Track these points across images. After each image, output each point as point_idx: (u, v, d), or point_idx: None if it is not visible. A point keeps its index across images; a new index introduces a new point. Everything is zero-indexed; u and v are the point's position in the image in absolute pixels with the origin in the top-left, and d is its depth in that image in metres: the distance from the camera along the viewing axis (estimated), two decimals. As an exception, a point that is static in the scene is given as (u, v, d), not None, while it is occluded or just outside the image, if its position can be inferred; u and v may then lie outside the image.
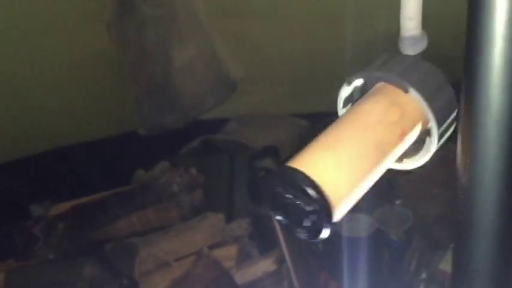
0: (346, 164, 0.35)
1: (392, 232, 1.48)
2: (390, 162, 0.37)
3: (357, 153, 0.35)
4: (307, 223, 0.33)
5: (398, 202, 1.58)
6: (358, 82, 0.40)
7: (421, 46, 0.39)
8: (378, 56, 0.39)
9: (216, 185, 1.60)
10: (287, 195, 0.33)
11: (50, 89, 1.78)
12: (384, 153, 0.36)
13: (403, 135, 0.37)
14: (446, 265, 1.42)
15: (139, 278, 1.32)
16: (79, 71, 1.81)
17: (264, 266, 1.35)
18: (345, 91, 0.40)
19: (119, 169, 1.68)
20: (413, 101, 0.37)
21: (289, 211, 0.34)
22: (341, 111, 0.41)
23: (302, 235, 0.34)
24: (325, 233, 0.33)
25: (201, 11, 1.72)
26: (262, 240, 1.45)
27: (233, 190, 1.62)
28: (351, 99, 0.40)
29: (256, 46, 1.82)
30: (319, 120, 1.85)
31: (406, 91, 0.37)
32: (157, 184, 1.44)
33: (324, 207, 0.32)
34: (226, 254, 1.34)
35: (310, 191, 0.32)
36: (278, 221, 0.35)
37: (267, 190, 0.34)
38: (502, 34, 0.27)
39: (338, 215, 0.34)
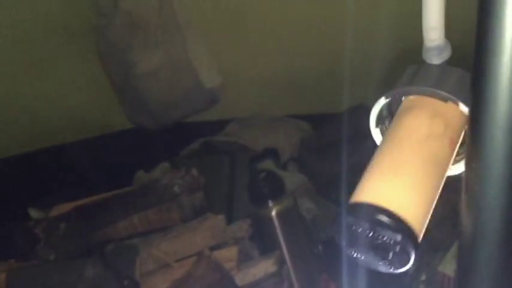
0: (415, 186, 0.34)
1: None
2: (447, 172, 0.37)
3: (420, 172, 0.34)
4: (391, 256, 0.32)
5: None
6: (391, 98, 0.39)
7: (446, 54, 0.39)
8: (404, 70, 0.39)
9: (216, 186, 1.60)
10: (365, 231, 0.32)
11: (51, 90, 1.79)
12: (442, 166, 0.36)
13: (452, 144, 0.37)
14: (445, 267, 1.42)
15: (140, 279, 1.32)
16: (81, 70, 1.82)
17: (265, 267, 1.35)
18: (377, 108, 0.39)
19: (120, 170, 1.68)
20: (453, 108, 0.37)
21: (369, 247, 0.33)
22: (374, 130, 0.40)
23: (384, 268, 0.33)
24: (412, 260, 0.32)
25: (183, 19, 1.72)
26: (263, 241, 1.45)
27: (234, 192, 1.62)
28: (380, 116, 0.39)
29: (258, 47, 1.82)
30: (319, 122, 1.86)
31: (445, 100, 0.37)
32: (158, 185, 1.44)
33: (409, 236, 0.31)
34: (227, 255, 1.35)
35: (393, 224, 0.31)
36: (357, 259, 0.33)
37: (342, 229, 0.33)
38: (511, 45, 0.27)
39: (420, 238, 0.33)
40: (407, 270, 1.22)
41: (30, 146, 1.78)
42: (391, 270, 0.32)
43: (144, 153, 1.84)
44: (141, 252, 1.35)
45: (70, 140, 1.85)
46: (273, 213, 1.41)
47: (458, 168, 0.40)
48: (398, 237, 0.32)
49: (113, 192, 1.51)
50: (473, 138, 0.30)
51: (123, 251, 1.36)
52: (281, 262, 1.38)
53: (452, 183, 0.39)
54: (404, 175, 0.34)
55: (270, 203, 1.42)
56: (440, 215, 1.47)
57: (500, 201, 0.30)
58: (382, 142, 0.36)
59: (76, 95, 1.83)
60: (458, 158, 0.39)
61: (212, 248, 1.36)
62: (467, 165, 0.32)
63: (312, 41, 1.77)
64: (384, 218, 0.31)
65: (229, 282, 1.30)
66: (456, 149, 0.37)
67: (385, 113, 0.39)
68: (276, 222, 1.40)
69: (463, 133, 0.37)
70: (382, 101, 0.39)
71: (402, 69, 0.41)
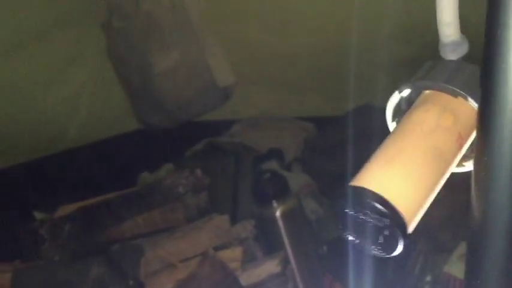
0: (413, 176, 0.35)
1: (396, 235, 1.49)
2: (453, 168, 0.37)
3: (419, 163, 0.35)
4: (381, 239, 0.33)
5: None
6: (405, 92, 0.40)
7: (462, 50, 0.39)
8: (422, 65, 0.39)
9: (221, 187, 1.60)
10: (358, 215, 0.33)
11: (54, 90, 1.79)
12: (445, 160, 0.36)
13: (460, 139, 0.37)
14: (451, 268, 1.42)
15: (144, 279, 1.32)
16: (84, 72, 1.82)
17: (269, 267, 1.35)
18: (392, 102, 0.40)
19: (125, 171, 1.69)
20: (464, 104, 0.37)
21: (361, 230, 0.34)
22: (390, 123, 0.41)
23: (377, 252, 0.34)
24: (400, 247, 0.33)
25: (197, 20, 1.73)
26: (267, 242, 1.45)
27: (238, 192, 1.62)
28: (399, 110, 0.40)
29: (263, 48, 1.82)
30: (324, 124, 1.86)
31: (456, 96, 0.37)
32: (162, 186, 1.44)
33: (396, 221, 0.33)
34: (231, 256, 1.35)
35: (381, 207, 0.33)
36: (351, 241, 0.35)
37: (339, 211, 0.34)
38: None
39: (411, 227, 0.34)
40: (412, 271, 1.22)
41: (36, 150, 1.78)
42: (382, 254, 0.33)
43: (149, 154, 1.84)
44: (146, 252, 1.35)
45: (76, 143, 1.86)
46: (277, 213, 1.41)
47: (472, 166, 0.40)
48: (387, 222, 0.32)
49: (117, 192, 1.51)
50: (483, 132, 0.30)
51: (128, 251, 1.36)
52: (285, 262, 1.38)
53: (456, 183, 0.39)
54: (401, 164, 0.35)
55: (274, 204, 1.42)
56: (445, 216, 1.47)
57: (509, 195, 0.30)
58: (391, 133, 0.37)
59: (83, 98, 1.84)
60: (472, 154, 0.40)
61: (216, 248, 1.36)
62: (476, 159, 0.32)
63: (315, 42, 1.77)
64: (375, 202, 0.33)
65: (233, 282, 1.30)
66: (466, 145, 0.37)
67: (403, 106, 0.40)
68: (280, 223, 1.41)
69: (474, 130, 0.38)
70: (396, 95, 0.39)
71: (408, 71, 0.41)
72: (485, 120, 0.30)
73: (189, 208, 1.41)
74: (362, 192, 0.33)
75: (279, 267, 1.36)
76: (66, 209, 1.46)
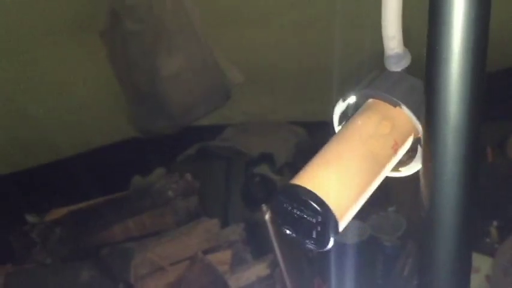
0: (346, 177, 0.37)
1: (385, 238, 1.50)
2: (387, 172, 0.40)
3: (355, 166, 0.38)
4: (314, 234, 0.35)
5: (391, 209, 1.60)
6: (351, 99, 0.42)
7: (405, 62, 0.42)
8: (366, 74, 0.41)
9: (211, 191, 1.62)
10: (295, 211, 0.36)
11: (45, 98, 1.80)
12: (380, 164, 0.39)
13: (396, 146, 0.39)
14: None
15: (134, 282, 1.33)
16: (74, 78, 1.83)
17: (258, 270, 1.36)
18: (339, 108, 0.42)
19: (116, 175, 1.70)
20: (403, 114, 0.40)
21: (297, 225, 0.36)
22: (337, 127, 0.43)
23: (311, 246, 0.36)
24: (331, 243, 0.35)
25: (197, 22, 1.75)
26: (256, 245, 1.46)
27: (228, 196, 1.64)
28: (345, 116, 0.42)
29: (253, 54, 1.84)
30: (316, 128, 1.88)
31: (395, 105, 0.40)
32: (152, 190, 1.46)
33: (328, 218, 0.35)
34: (221, 259, 1.36)
35: (315, 205, 0.35)
36: (288, 235, 0.37)
37: (276, 207, 0.37)
38: (458, 50, 0.30)
39: (342, 224, 0.36)
40: (401, 274, 1.23)
41: (28, 154, 1.79)
42: (315, 248, 0.35)
43: (141, 159, 1.85)
44: (136, 255, 1.37)
45: (69, 148, 1.87)
46: (267, 217, 1.43)
47: (408, 170, 0.43)
48: (319, 218, 0.35)
49: (107, 196, 1.52)
50: (428, 140, 0.33)
51: (118, 254, 1.38)
52: (274, 266, 1.39)
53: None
54: (338, 166, 0.37)
55: (264, 207, 1.44)
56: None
57: (452, 194, 0.33)
58: (333, 136, 0.39)
59: (76, 106, 1.85)
60: (408, 161, 0.42)
61: (206, 252, 1.37)
62: (423, 164, 0.34)
63: (309, 49, 1.79)
64: (309, 200, 0.35)
65: (222, 285, 1.31)
66: (401, 151, 0.40)
67: (350, 112, 0.42)
68: (270, 226, 1.42)
69: (410, 138, 0.40)
70: (341, 102, 0.42)
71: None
72: (430, 128, 0.32)
73: (178, 212, 1.43)
74: (299, 189, 0.36)
75: (268, 270, 1.38)
76: (57, 213, 1.48)
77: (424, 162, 0.34)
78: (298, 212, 0.35)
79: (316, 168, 0.37)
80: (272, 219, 1.44)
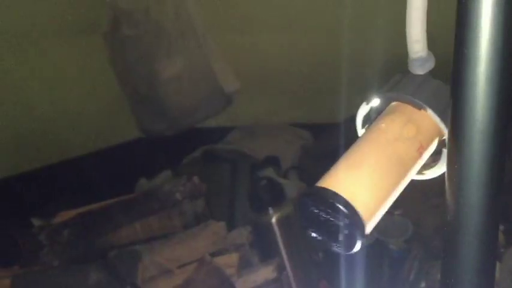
0: (372, 180, 0.37)
1: (392, 242, 1.50)
2: (413, 174, 0.40)
3: (381, 169, 0.38)
4: (341, 237, 0.36)
5: (398, 212, 1.60)
6: (375, 102, 0.42)
7: (429, 66, 0.42)
8: (391, 77, 0.42)
9: (218, 193, 1.62)
10: (321, 214, 0.36)
11: (56, 100, 1.81)
12: (405, 167, 0.39)
13: (421, 149, 0.40)
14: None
15: (142, 284, 1.34)
16: (81, 79, 1.84)
17: (265, 273, 1.37)
18: (363, 111, 0.42)
19: (123, 178, 1.70)
20: (427, 116, 0.40)
21: (323, 228, 0.36)
22: (360, 130, 0.43)
23: (338, 249, 0.36)
24: (359, 245, 0.36)
25: (200, 26, 1.75)
26: (263, 248, 1.47)
27: (235, 199, 1.64)
28: (368, 118, 0.43)
29: (259, 57, 1.84)
30: (321, 131, 1.88)
31: (420, 108, 0.40)
32: (160, 192, 1.46)
33: (356, 221, 0.35)
34: (228, 262, 1.36)
35: (343, 208, 0.35)
36: (314, 238, 0.37)
37: (302, 210, 0.37)
38: (486, 54, 0.30)
39: (369, 227, 0.37)
40: (407, 278, 1.23)
41: (37, 158, 1.79)
42: (342, 251, 0.36)
43: (147, 161, 1.86)
44: (143, 258, 1.37)
45: (76, 151, 1.87)
46: (273, 220, 1.43)
47: (433, 173, 0.43)
48: (346, 221, 0.35)
49: (115, 199, 1.53)
50: (454, 143, 0.33)
51: (126, 257, 1.38)
52: (281, 269, 1.39)
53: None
54: (364, 169, 0.37)
55: (271, 211, 1.44)
56: (439, 223, 1.49)
57: (478, 200, 0.33)
58: (358, 139, 0.39)
59: (83, 107, 1.85)
60: (433, 164, 0.43)
61: (213, 255, 1.37)
62: (448, 167, 0.34)
63: (314, 52, 1.79)
64: (336, 202, 0.35)
65: (229, 288, 1.31)
66: (426, 154, 0.40)
67: (373, 115, 0.42)
68: (276, 229, 1.42)
69: (435, 141, 0.40)
70: (365, 106, 0.42)
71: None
72: (456, 130, 0.32)
73: (186, 215, 1.43)
74: (326, 192, 0.36)
75: (275, 273, 1.38)
76: (65, 215, 1.48)
77: (449, 165, 0.34)
78: (324, 215, 0.36)
79: (342, 170, 0.38)
80: (279, 222, 1.44)
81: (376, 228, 1.34)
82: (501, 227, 1.55)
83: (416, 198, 1.57)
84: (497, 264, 1.46)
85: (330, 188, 0.36)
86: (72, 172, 1.79)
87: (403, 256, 1.50)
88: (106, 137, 1.92)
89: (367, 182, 0.37)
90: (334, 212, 0.35)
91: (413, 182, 0.43)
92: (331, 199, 0.35)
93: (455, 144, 0.33)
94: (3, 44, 1.62)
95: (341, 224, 0.35)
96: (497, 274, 1.44)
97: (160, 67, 1.77)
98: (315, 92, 1.89)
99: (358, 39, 1.55)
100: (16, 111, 1.74)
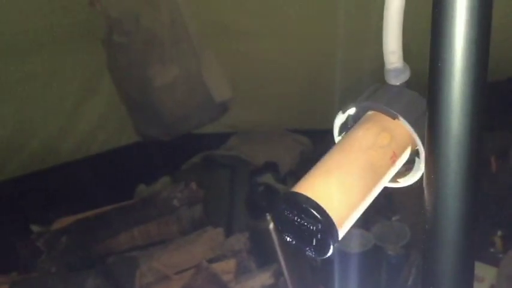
0: (346, 186, 0.38)
1: (389, 247, 1.50)
2: (385, 182, 0.41)
3: (355, 175, 0.39)
4: (314, 242, 0.37)
5: (395, 218, 1.60)
6: (351, 111, 0.43)
7: (404, 77, 0.43)
8: (366, 87, 0.43)
9: (216, 200, 1.62)
10: (295, 218, 0.37)
11: (53, 105, 1.82)
12: (378, 175, 0.40)
13: (394, 157, 0.41)
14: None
15: (139, 291, 1.34)
16: (81, 84, 1.85)
17: (262, 279, 1.37)
18: (339, 119, 0.44)
19: (121, 184, 1.71)
20: (401, 126, 0.41)
21: (298, 232, 0.37)
22: (337, 138, 0.44)
23: (311, 253, 0.37)
24: (331, 250, 0.37)
25: (194, 34, 1.77)
26: (261, 254, 1.47)
27: (232, 205, 1.65)
28: (345, 127, 0.44)
29: (257, 63, 1.85)
30: (319, 137, 1.88)
31: (394, 118, 0.41)
32: (157, 199, 1.47)
33: (328, 226, 0.36)
34: (225, 268, 1.37)
35: (316, 213, 0.36)
36: (289, 242, 0.38)
37: (277, 214, 0.38)
38: (460, 67, 0.31)
39: (342, 232, 0.38)
40: (405, 283, 1.23)
41: (34, 164, 1.80)
42: (315, 256, 0.36)
43: (146, 167, 1.86)
44: (141, 264, 1.37)
45: (74, 156, 1.88)
46: (271, 226, 1.43)
47: (406, 181, 0.44)
48: (319, 226, 0.36)
49: (113, 205, 1.53)
50: (430, 154, 0.34)
51: (124, 263, 1.38)
52: (278, 275, 1.40)
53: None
54: (338, 175, 0.38)
55: (268, 217, 1.44)
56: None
57: (453, 210, 0.34)
58: (334, 146, 0.40)
59: (80, 111, 1.86)
60: (406, 172, 0.44)
61: (211, 261, 1.38)
62: (426, 177, 0.35)
63: (311, 60, 1.80)
64: (309, 207, 0.36)
65: (227, 294, 1.32)
66: (399, 162, 0.41)
67: (350, 123, 0.43)
68: (274, 236, 1.43)
69: (407, 150, 0.41)
70: (340, 114, 0.43)
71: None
72: (432, 142, 0.33)
73: (183, 221, 1.44)
74: (299, 197, 0.37)
75: (272, 279, 1.38)
76: (63, 222, 1.49)
77: (427, 174, 0.35)
78: (298, 220, 0.36)
79: (316, 176, 0.39)
80: (276, 228, 1.45)
81: (374, 234, 1.35)
82: (499, 233, 1.55)
83: (414, 204, 1.57)
84: (495, 269, 1.46)
85: (303, 192, 0.37)
86: (70, 178, 1.80)
87: (401, 262, 1.51)
88: (103, 142, 1.93)
89: (340, 188, 0.38)
90: (307, 217, 0.36)
91: (410, 188, 0.44)
92: (304, 204, 0.36)
93: (431, 155, 0.34)
94: (3, 47, 1.63)
95: (314, 228, 0.36)
96: (494, 279, 1.44)
97: (154, 74, 1.78)
98: (314, 97, 1.90)
99: (353, 47, 1.56)
100: (14, 114, 1.75)
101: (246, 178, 1.75)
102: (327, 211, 0.36)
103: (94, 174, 1.81)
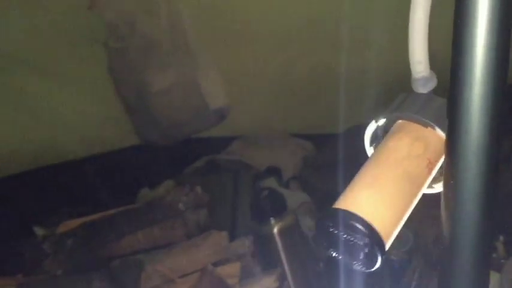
0: (387, 199, 0.40)
1: (392, 253, 1.51)
2: (424, 190, 0.42)
3: (394, 187, 0.40)
4: (362, 256, 0.37)
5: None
6: (381, 122, 0.44)
7: (431, 85, 0.44)
8: (395, 97, 0.44)
9: (220, 204, 1.63)
10: (341, 234, 0.38)
11: (60, 103, 1.82)
12: (416, 184, 0.41)
13: (430, 165, 0.42)
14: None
15: (144, 294, 1.34)
16: (86, 87, 1.85)
17: (266, 283, 1.37)
18: (370, 129, 0.44)
19: (125, 187, 1.71)
20: (433, 133, 0.42)
21: (344, 248, 0.39)
22: (368, 148, 0.45)
23: (359, 267, 0.38)
24: (379, 262, 0.37)
25: (193, 39, 1.77)
26: (265, 258, 1.47)
27: (237, 209, 1.65)
28: (375, 136, 0.44)
29: (260, 67, 1.86)
30: (323, 142, 1.89)
31: (426, 126, 0.42)
32: (163, 202, 1.48)
33: (375, 240, 0.37)
34: (230, 271, 1.37)
35: (362, 228, 0.37)
36: (335, 257, 0.39)
37: (322, 231, 0.38)
38: (480, 77, 0.32)
39: (388, 244, 0.39)
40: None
41: (40, 165, 1.81)
42: (363, 269, 0.37)
43: (149, 170, 1.87)
44: (146, 268, 1.38)
45: (77, 157, 1.88)
46: (275, 230, 1.44)
47: (441, 187, 0.44)
48: (366, 240, 0.37)
49: (118, 208, 1.54)
50: (450, 159, 0.34)
51: (128, 266, 1.39)
52: (282, 279, 1.40)
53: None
54: (378, 189, 0.39)
55: (272, 221, 1.45)
56: (437, 232, 1.50)
57: (473, 214, 0.34)
58: (369, 159, 0.41)
59: (84, 112, 1.87)
60: (441, 177, 0.44)
61: (215, 264, 1.38)
62: (444, 182, 0.36)
63: (312, 63, 1.81)
64: (356, 223, 0.37)
65: (231, 298, 1.32)
66: (435, 170, 0.41)
67: (380, 133, 0.44)
68: (278, 240, 1.43)
69: (442, 156, 0.42)
70: (373, 125, 0.44)
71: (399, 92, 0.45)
72: (452, 148, 0.34)
73: (188, 224, 1.44)
74: (344, 213, 0.38)
75: (277, 283, 1.39)
76: (69, 225, 1.49)
77: (445, 180, 0.36)
78: (345, 235, 0.37)
79: (358, 191, 0.40)
80: (280, 232, 1.45)
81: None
82: (501, 238, 1.55)
83: (417, 209, 1.57)
84: (497, 275, 1.46)
85: (347, 209, 0.37)
86: (74, 181, 1.80)
87: (403, 267, 1.51)
88: (107, 144, 1.93)
89: (382, 201, 0.39)
90: (353, 232, 0.37)
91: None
92: (350, 220, 0.37)
93: (450, 161, 0.35)
94: (7, 48, 1.64)
95: (361, 243, 0.37)
96: (497, 285, 1.44)
97: (151, 80, 1.78)
98: (317, 102, 1.90)
99: (356, 50, 1.57)
100: (18, 117, 1.75)
101: (250, 182, 1.76)
102: (373, 225, 0.36)
103: (97, 177, 1.82)
